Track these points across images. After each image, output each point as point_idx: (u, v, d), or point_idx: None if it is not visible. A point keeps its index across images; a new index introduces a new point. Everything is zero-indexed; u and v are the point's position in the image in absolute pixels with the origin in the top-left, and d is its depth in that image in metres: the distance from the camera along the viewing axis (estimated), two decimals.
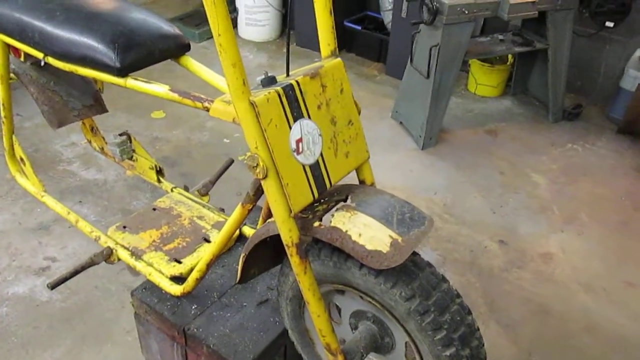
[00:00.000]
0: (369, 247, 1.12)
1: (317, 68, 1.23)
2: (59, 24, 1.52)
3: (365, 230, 1.15)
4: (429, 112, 3.21)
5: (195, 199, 2.00)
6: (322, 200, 1.26)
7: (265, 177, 1.13)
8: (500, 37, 3.52)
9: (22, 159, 2.09)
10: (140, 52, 1.48)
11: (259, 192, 1.32)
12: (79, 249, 2.48)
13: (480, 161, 3.26)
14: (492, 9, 3.06)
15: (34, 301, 2.24)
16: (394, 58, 4.03)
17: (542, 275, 2.50)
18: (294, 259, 1.19)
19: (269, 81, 1.18)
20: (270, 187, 1.14)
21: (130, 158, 2.12)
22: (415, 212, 1.22)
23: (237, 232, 1.77)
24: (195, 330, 1.55)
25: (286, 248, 1.19)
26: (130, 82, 1.46)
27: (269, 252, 1.39)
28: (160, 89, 1.40)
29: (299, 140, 1.17)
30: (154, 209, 1.93)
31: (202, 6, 1.00)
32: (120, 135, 2.08)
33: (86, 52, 1.47)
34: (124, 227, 1.85)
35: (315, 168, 1.21)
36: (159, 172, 2.11)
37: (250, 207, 1.36)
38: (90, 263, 1.76)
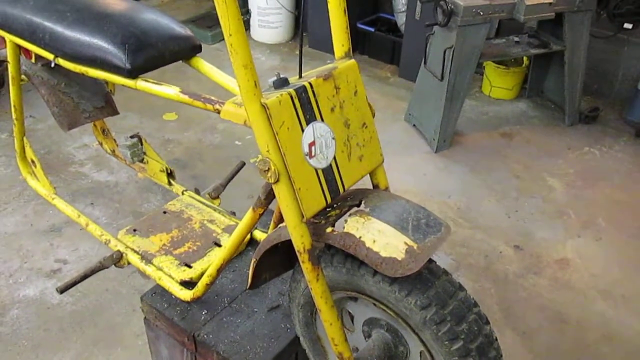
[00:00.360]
0: (383, 254, 1.09)
1: (331, 69, 1.20)
2: (70, 25, 1.51)
3: (379, 237, 1.11)
4: (442, 115, 3.17)
5: (206, 202, 1.98)
6: (335, 205, 1.23)
7: (276, 181, 1.10)
8: (516, 38, 3.47)
9: (33, 161, 2.09)
10: (150, 53, 1.46)
11: (270, 196, 1.29)
12: (90, 251, 2.47)
13: (495, 165, 3.21)
14: (507, 11, 3.01)
15: (45, 304, 2.24)
16: (408, 60, 3.99)
17: (558, 282, 2.45)
18: (306, 266, 1.16)
19: (281, 83, 1.15)
20: (281, 192, 1.12)
21: (141, 160, 2.11)
22: (432, 218, 1.18)
23: (248, 236, 1.74)
24: (205, 336, 1.52)
25: (298, 254, 1.16)
26: (141, 83, 1.44)
27: (280, 257, 1.36)
28: (170, 91, 1.38)
29: (312, 144, 1.14)
30: (165, 212, 1.91)
31: (215, 8, 0.97)
32: (131, 137, 2.07)
33: (96, 53, 1.45)
34: (134, 230, 1.83)
35: (328, 172, 1.18)
36: (170, 174, 2.10)
37: (262, 212, 1.33)
38: (100, 267, 1.74)
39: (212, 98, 1.30)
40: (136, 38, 1.45)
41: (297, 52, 4.47)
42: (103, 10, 1.54)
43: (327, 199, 1.18)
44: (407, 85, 3.95)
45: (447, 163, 3.21)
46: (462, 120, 3.50)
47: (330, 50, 1.30)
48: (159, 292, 1.66)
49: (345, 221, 1.16)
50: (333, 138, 1.19)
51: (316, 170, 1.15)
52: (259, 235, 1.80)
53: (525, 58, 3.78)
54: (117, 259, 1.75)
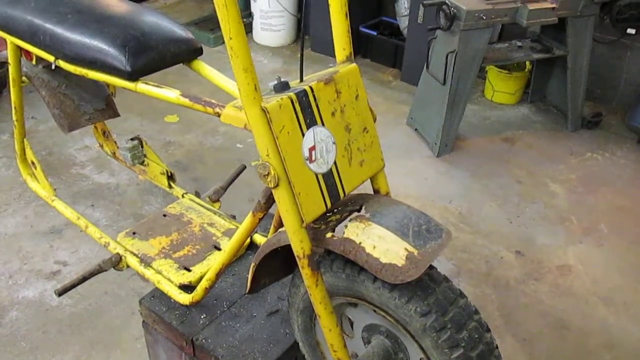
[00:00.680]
0: (383, 260, 1.08)
1: (332, 73, 1.20)
2: (70, 27, 1.50)
3: (379, 243, 1.10)
4: (444, 119, 3.16)
5: (206, 205, 1.97)
6: (335, 211, 1.22)
7: (276, 185, 1.09)
8: (519, 43, 3.45)
9: (33, 163, 2.08)
10: (151, 56, 1.45)
11: (270, 200, 1.28)
12: (90, 253, 2.47)
13: (496, 169, 3.20)
14: (510, 15, 3.01)
15: (44, 305, 2.23)
16: (410, 64, 3.99)
17: (560, 288, 2.43)
18: (305, 271, 1.15)
19: (282, 87, 1.14)
20: (281, 196, 1.11)
21: (142, 163, 2.10)
22: (432, 224, 1.17)
23: (248, 240, 1.73)
24: (203, 340, 1.51)
25: (297, 259, 1.15)
26: (141, 86, 1.43)
27: (280, 261, 1.35)
28: (171, 94, 1.37)
29: (312, 148, 1.13)
30: (164, 215, 1.91)
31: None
32: (132, 139, 2.06)
33: (97, 55, 1.45)
34: (134, 233, 1.83)
35: (328, 177, 1.17)
36: (170, 177, 2.09)
37: (262, 216, 1.33)
38: (99, 270, 1.74)
39: (213, 101, 1.29)
40: (137, 40, 1.45)
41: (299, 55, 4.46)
42: (104, 12, 1.54)
43: (327, 204, 1.17)
44: (409, 89, 3.94)
45: (449, 168, 3.20)
46: (464, 124, 3.49)
47: (333, 54, 1.29)
48: (158, 295, 1.65)
49: (346, 226, 1.15)
50: (334, 142, 1.18)
51: (316, 175, 1.14)
52: (259, 239, 1.79)
53: (527, 63, 3.77)
54: (116, 262, 1.74)
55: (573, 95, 3.50)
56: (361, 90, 1.25)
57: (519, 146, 3.44)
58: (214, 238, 1.80)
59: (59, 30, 1.52)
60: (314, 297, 1.18)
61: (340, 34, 1.24)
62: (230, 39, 0.97)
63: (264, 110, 1.05)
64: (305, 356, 1.48)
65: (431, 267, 1.17)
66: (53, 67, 1.61)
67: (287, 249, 1.19)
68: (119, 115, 2.06)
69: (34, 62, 1.84)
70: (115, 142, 2.30)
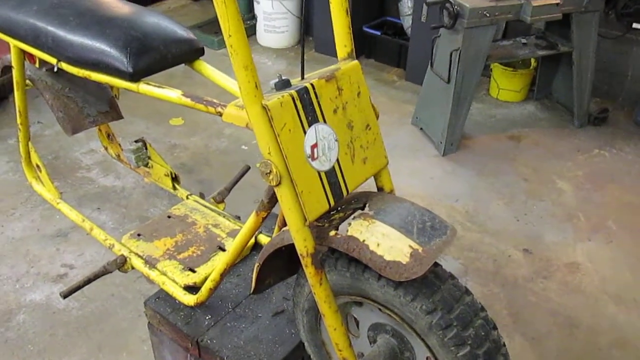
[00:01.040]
0: (387, 257, 1.07)
1: (333, 71, 1.19)
2: (72, 29, 1.51)
3: (383, 240, 1.09)
4: (449, 118, 3.14)
5: (211, 206, 1.97)
6: (338, 209, 1.21)
7: (278, 184, 1.08)
8: (523, 40, 3.43)
9: (38, 166, 2.09)
10: (153, 56, 1.45)
11: (273, 199, 1.27)
12: (96, 255, 2.47)
13: (503, 168, 3.18)
14: (514, 12, 2.99)
15: (51, 308, 2.23)
16: (414, 63, 3.97)
17: (568, 286, 2.41)
18: (309, 270, 1.14)
19: (283, 84, 1.14)
20: (284, 195, 1.10)
21: (146, 165, 2.10)
22: (437, 221, 1.16)
23: (252, 240, 1.73)
24: (209, 341, 1.51)
25: (301, 258, 1.14)
26: (143, 87, 1.43)
27: (284, 261, 1.34)
28: (172, 94, 1.37)
29: (314, 146, 1.12)
30: (169, 217, 1.91)
31: None
32: (136, 142, 2.06)
33: (99, 57, 1.45)
34: (139, 234, 1.83)
35: (331, 175, 1.16)
36: (175, 179, 2.09)
37: (265, 215, 1.32)
38: (104, 272, 1.74)
39: (214, 101, 1.29)
40: (138, 41, 1.45)
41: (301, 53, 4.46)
42: (106, 14, 1.54)
43: (330, 202, 1.16)
44: (414, 88, 3.93)
45: (455, 166, 3.19)
46: (470, 123, 3.47)
47: (336, 54, 1.28)
48: (163, 296, 1.65)
49: (349, 224, 1.14)
50: (336, 140, 1.17)
51: (319, 172, 1.13)
52: (264, 239, 1.78)
53: (532, 60, 3.75)
54: (121, 264, 1.74)
55: (579, 92, 3.47)
56: (363, 87, 1.24)
57: (525, 144, 3.41)
58: (218, 239, 1.79)
59: (61, 32, 1.52)
60: (318, 296, 1.17)
61: (341, 31, 1.23)
62: (230, 36, 0.97)
63: (265, 108, 1.04)
64: (311, 356, 1.47)
65: (436, 264, 1.16)
66: (56, 69, 1.61)
67: (291, 248, 1.18)
68: (122, 118, 2.07)
69: (37, 65, 1.85)
70: (119, 145, 2.31)
